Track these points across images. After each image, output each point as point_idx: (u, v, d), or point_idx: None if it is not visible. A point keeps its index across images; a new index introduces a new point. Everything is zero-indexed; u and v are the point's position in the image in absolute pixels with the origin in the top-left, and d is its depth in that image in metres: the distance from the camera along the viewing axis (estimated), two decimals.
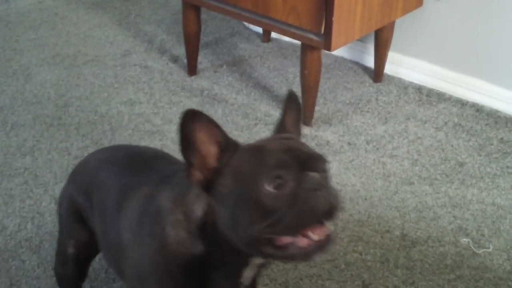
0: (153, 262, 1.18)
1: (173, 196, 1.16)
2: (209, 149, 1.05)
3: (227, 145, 1.06)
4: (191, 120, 1.02)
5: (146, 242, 1.19)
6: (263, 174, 1.00)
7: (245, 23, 3.17)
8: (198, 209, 1.10)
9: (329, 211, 1.01)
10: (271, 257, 1.07)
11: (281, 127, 1.18)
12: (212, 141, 1.05)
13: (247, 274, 1.19)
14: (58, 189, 2.06)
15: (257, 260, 1.15)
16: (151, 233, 1.18)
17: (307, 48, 2.25)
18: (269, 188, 0.99)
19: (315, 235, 1.01)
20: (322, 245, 1.02)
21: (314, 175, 1.02)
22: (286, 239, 1.02)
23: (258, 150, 1.05)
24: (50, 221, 1.93)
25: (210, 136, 1.04)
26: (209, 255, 1.12)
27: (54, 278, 1.72)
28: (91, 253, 1.53)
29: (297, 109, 1.20)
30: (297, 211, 0.99)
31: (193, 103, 2.52)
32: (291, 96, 1.20)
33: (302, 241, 1.02)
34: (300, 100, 2.37)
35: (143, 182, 1.29)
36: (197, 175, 1.05)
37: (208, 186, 1.06)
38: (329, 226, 1.03)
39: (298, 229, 1.01)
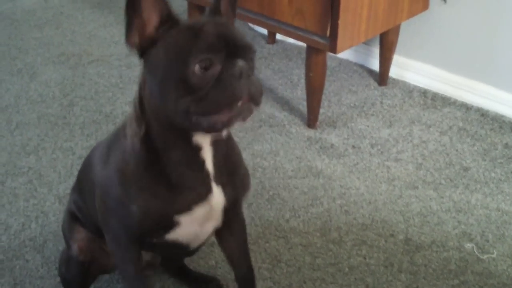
0: (118, 177, 1.25)
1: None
2: (152, 16, 1.11)
3: (168, 18, 1.12)
4: None
5: (111, 166, 1.28)
6: (193, 54, 1.06)
7: (250, 24, 3.17)
8: (137, 88, 1.19)
9: (248, 97, 1.09)
10: (197, 128, 1.13)
11: (216, 8, 1.21)
12: (156, 8, 1.10)
13: (208, 160, 1.23)
14: (62, 189, 2.06)
15: (201, 138, 1.19)
16: (115, 157, 1.27)
17: (312, 51, 2.25)
18: (196, 68, 1.06)
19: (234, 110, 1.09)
20: (240, 114, 1.09)
21: (241, 62, 1.08)
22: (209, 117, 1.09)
23: (193, 30, 1.10)
24: (54, 221, 1.93)
25: (155, 3, 1.10)
26: (154, 137, 1.19)
27: (58, 279, 1.72)
28: (94, 258, 1.54)
29: None
30: (218, 93, 1.07)
31: None
32: None
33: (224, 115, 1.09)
34: (305, 103, 2.39)
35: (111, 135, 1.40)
36: (135, 38, 1.11)
37: (143, 52, 1.13)
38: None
39: (217, 109, 1.08)
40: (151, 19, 1.11)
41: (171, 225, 1.27)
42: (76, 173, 2.10)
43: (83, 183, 1.48)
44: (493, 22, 2.39)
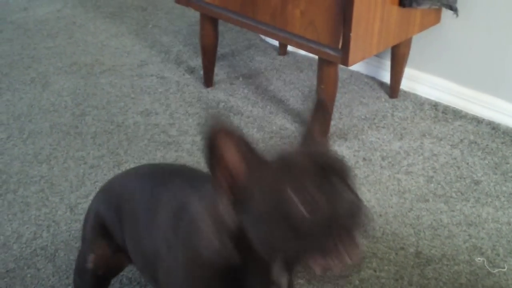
0: (185, 270, 1.17)
1: (205, 204, 1.14)
2: (236, 165, 1.00)
3: (255, 161, 1.01)
4: (220, 135, 0.97)
5: (179, 250, 1.18)
6: (294, 194, 0.95)
7: (262, 36, 3.18)
8: (230, 221, 1.07)
9: (360, 228, 0.98)
10: (303, 272, 1.04)
11: (308, 136, 1.12)
12: (238, 153, 0.99)
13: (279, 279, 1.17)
14: (74, 198, 2.07)
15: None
16: (184, 242, 1.17)
17: (324, 63, 2.25)
18: (301, 208, 0.95)
19: (345, 251, 0.97)
20: (347, 253, 0.97)
21: (346, 192, 0.98)
22: (319, 260, 0.98)
23: (288, 166, 0.99)
24: (66, 230, 1.94)
25: (237, 152, 0.99)
26: (243, 265, 1.11)
27: (70, 287, 1.73)
28: (110, 271, 1.54)
29: (326, 119, 1.17)
30: (328, 229, 0.95)
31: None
32: (320, 105, 1.15)
33: (334, 264, 0.98)
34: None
35: (171, 190, 1.29)
36: (225, 190, 1.01)
37: (237, 202, 1.02)
38: (360, 243, 1.00)
39: (327, 243, 0.97)
40: (237, 168, 1.00)
41: None
42: (87, 182, 2.13)
43: (127, 221, 1.40)
44: (505, 36, 2.39)
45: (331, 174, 0.98)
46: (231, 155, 0.99)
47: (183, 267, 1.18)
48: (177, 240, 1.20)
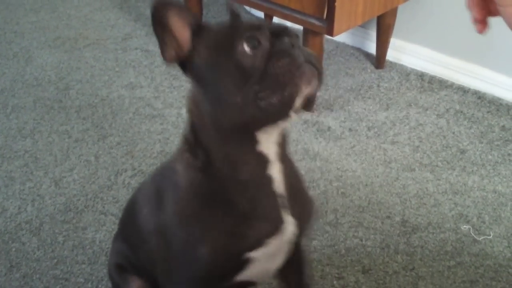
0: (173, 210, 1.15)
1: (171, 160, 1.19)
2: (182, 29, 1.05)
3: (199, 27, 1.06)
4: (164, 7, 1.02)
5: (164, 203, 1.17)
6: (238, 36, 1.00)
7: (247, 7, 3.16)
8: (188, 119, 1.11)
9: (308, 62, 1.01)
10: (269, 113, 1.02)
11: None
12: (184, 21, 1.04)
13: (276, 177, 1.13)
14: (58, 172, 2.06)
15: (266, 145, 1.10)
16: (167, 192, 1.17)
17: (309, 33, 2.24)
18: (245, 48, 0.99)
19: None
20: (304, 76, 1.00)
21: (287, 38, 1.02)
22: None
23: (231, 22, 1.05)
24: (50, 204, 1.93)
25: (182, 18, 1.04)
26: (215, 160, 1.09)
27: (54, 261, 1.72)
28: None
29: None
30: (278, 65, 0.99)
31: None
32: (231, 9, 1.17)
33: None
34: None
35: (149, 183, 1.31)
36: (171, 52, 1.05)
37: (184, 65, 1.07)
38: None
39: (286, 78, 0.99)
40: (182, 32, 1.05)
41: (243, 264, 1.15)
42: (72, 156, 2.11)
43: (129, 231, 1.39)
44: None
45: (272, 27, 1.03)
46: (176, 22, 1.04)
47: (175, 219, 1.15)
48: (163, 204, 1.18)
